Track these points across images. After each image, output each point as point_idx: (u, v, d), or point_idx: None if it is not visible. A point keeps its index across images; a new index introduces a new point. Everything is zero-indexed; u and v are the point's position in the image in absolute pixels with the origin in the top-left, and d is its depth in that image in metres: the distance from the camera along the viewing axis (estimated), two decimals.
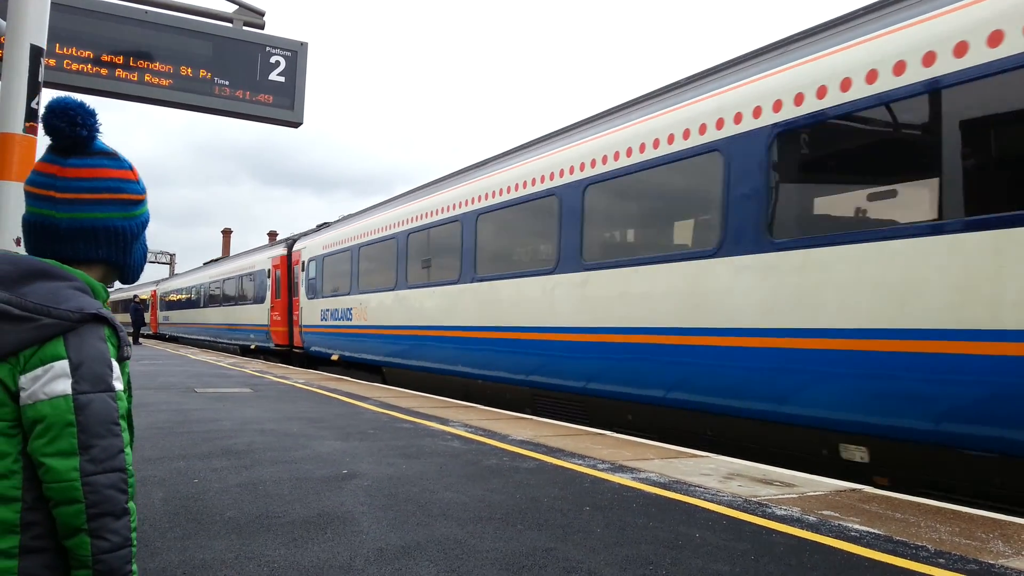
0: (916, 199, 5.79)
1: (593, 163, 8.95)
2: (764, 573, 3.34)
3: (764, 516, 4.31)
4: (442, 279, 12.20)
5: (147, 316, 41.01)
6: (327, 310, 17.65)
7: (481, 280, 11.01)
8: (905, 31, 5.69)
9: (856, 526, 4.11)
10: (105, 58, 4.58)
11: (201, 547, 3.57)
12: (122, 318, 38.27)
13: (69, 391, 1.29)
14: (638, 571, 3.34)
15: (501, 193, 10.78)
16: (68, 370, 1.30)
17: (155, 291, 44.65)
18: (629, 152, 8.36)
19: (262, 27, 5.20)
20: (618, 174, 8.52)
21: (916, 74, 5.48)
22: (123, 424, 1.37)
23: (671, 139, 7.75)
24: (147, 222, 1.58)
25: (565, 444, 6.86)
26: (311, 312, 18.87)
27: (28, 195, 1.46)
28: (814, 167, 6.62)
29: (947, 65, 5.29)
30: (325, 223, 21.07)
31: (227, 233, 77.00)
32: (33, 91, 2.39)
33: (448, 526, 4.00)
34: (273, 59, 5.09)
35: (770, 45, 7.45)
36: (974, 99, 5.21)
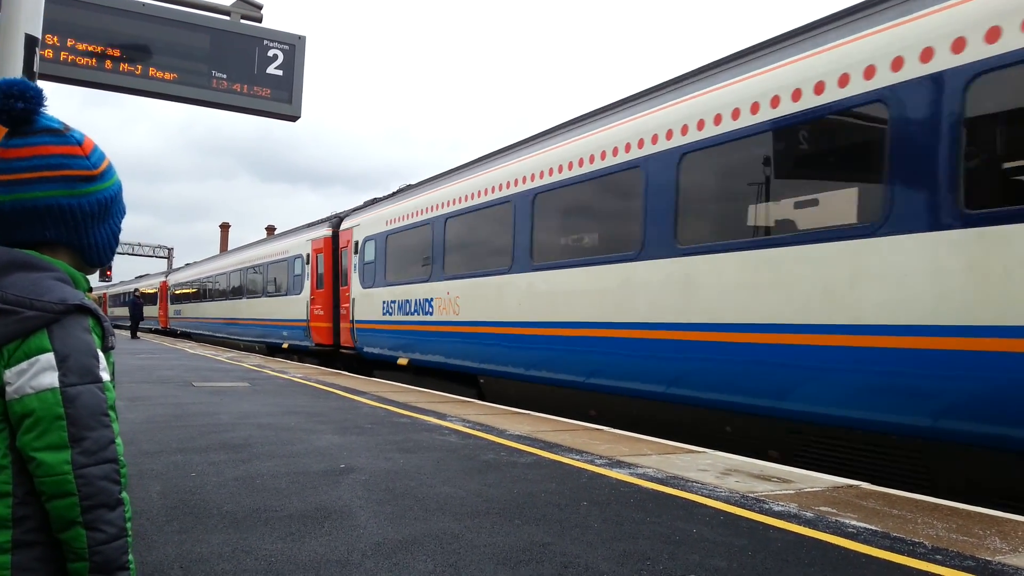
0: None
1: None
2: (761, 569, 3.34)
3: (761, 512, 4.31)
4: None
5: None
6: (176, 311, 38.25)
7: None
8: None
9: (853, 522, 4.12)
10: (102, 51, 4.56)
11: (198, 541, 3.56)
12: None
13: (56, 384, 1.27)
14: (635, 566, 3.34)
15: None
16: (54, 363, 1.28)
17: (105, 293, 62.98)
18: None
19: (260, 20, 5.17)
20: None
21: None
22: (112, 415, 1.35)
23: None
24: (107, 200, 1.46)
25: (562, 439, 6.86)
26: (175, 313, 38.84)
27: None
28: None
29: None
30: (189, 263, 42.23)
31: (225, 227, 76.75)
32: None
33: (445, 520, 3.99)
34: (271, 52, 5.07)
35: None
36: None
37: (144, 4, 4.78)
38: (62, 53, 4.43)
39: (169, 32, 4.79)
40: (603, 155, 8.56)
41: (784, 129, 6.34)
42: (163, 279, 42.78)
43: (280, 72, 5.14)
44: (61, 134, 1.42)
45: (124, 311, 49.58)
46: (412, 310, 12.91)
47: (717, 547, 3.63)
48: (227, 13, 5.07)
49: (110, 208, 1.48)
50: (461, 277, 11.39)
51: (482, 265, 10.95)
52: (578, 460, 5.81)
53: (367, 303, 15.02)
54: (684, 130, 7.38)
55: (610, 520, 4.08)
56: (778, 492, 4.85)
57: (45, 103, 1.40)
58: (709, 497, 4.65)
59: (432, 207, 12.53)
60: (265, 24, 5.19)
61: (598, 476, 5.24)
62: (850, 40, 5.90)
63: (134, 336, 33.07)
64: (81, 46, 4.51)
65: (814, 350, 5.88)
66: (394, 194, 15.46)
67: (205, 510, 4.11)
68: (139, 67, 4.66)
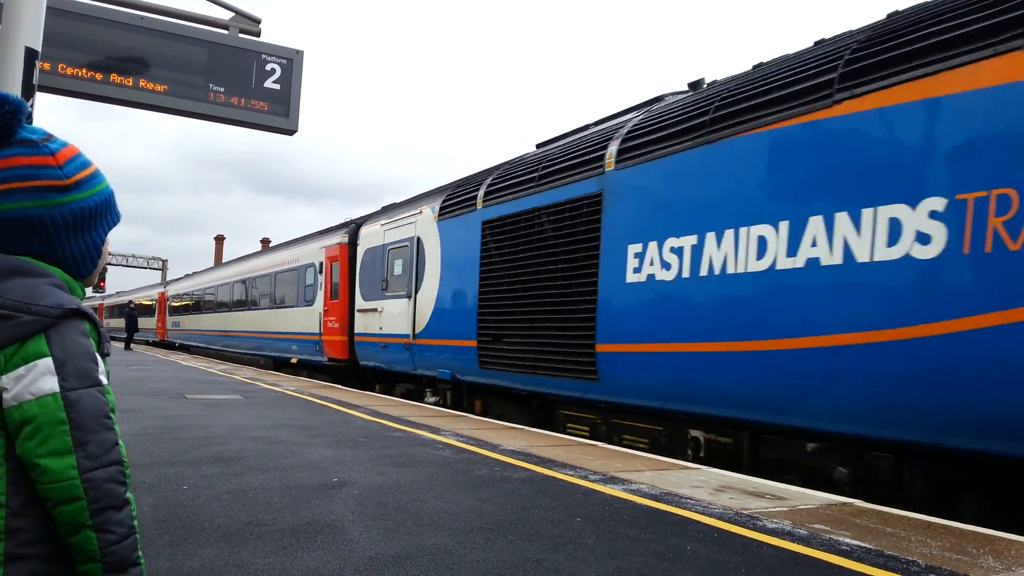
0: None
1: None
2: None
3: (755, 529, 4.30)
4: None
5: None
6: (106, 323, 49.14)
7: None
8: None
9: (847, 540, 4.11)
10: (100, 63, 4.57)
11: (190, 555, 3.54)
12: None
13: (57, 389, 1.26)
14: None
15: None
16: (53, 367, 1.27)
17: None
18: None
19: (258, 34, 5.20)
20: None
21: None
22: (114, 417, 1.35)
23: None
24: (86, 210, 1.42)
25: (556, 454, 6.84)
26: (105, 325, 51.45)
27: None
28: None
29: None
30: (119, 292, 63.06)
31: (220, 240, 76.76)
32: (27, 94, 2.37)
33: (438, 535, 3.98)
34: (269, 66, 5.09)
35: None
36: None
37: (142, 18, 4.80)
38: (60, 65, 4.44)
39: (167, 45, 4.81)
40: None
41: (274, 274, 20.78)
42: (101, 301, 62.97)
43: (277, 86, 5.15)
44: (34, 145, 1.39)
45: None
46: (178, 325, 34.81)
47: (711, 564, 3.62)
48: (225, 27, 5.09)
49: (90, 219, 1.44)
50: (187, 314, 33.27)
51: (194, 311, 31.85)
52: (572, 476, 5.79)
53: (171, 321, 36.65)
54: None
55: (604, 536, 4.07)
56: (772, 509, 4.85)
57: (23, 115, 1.38)
58: (703, 514, 4.64)
59: (187, 288, 33.96)
60: (263, 39, 5.22)
61: (592, 492, 5.22)
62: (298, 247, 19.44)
63: (128, 347, 33.00)
64: (79, 59, 4.52)
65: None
66: (187, 276, 37.69)
67: (197, 524, 4.08)
68: (137, 80, 4.68)
